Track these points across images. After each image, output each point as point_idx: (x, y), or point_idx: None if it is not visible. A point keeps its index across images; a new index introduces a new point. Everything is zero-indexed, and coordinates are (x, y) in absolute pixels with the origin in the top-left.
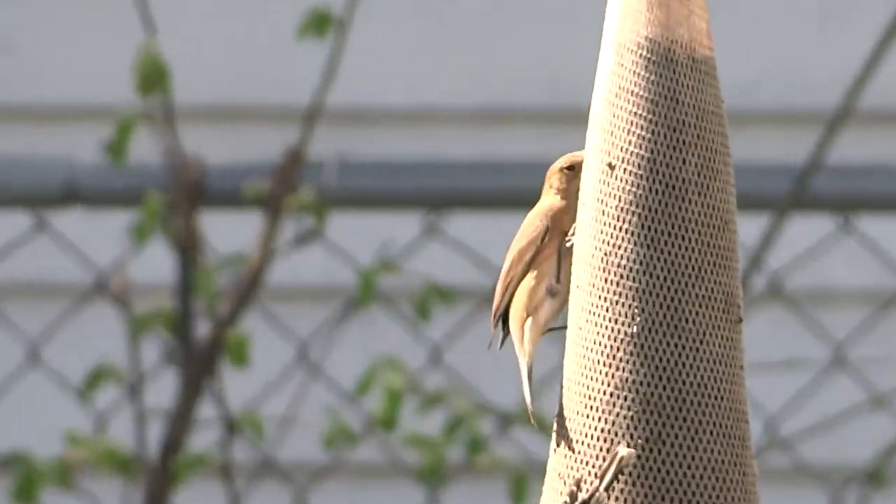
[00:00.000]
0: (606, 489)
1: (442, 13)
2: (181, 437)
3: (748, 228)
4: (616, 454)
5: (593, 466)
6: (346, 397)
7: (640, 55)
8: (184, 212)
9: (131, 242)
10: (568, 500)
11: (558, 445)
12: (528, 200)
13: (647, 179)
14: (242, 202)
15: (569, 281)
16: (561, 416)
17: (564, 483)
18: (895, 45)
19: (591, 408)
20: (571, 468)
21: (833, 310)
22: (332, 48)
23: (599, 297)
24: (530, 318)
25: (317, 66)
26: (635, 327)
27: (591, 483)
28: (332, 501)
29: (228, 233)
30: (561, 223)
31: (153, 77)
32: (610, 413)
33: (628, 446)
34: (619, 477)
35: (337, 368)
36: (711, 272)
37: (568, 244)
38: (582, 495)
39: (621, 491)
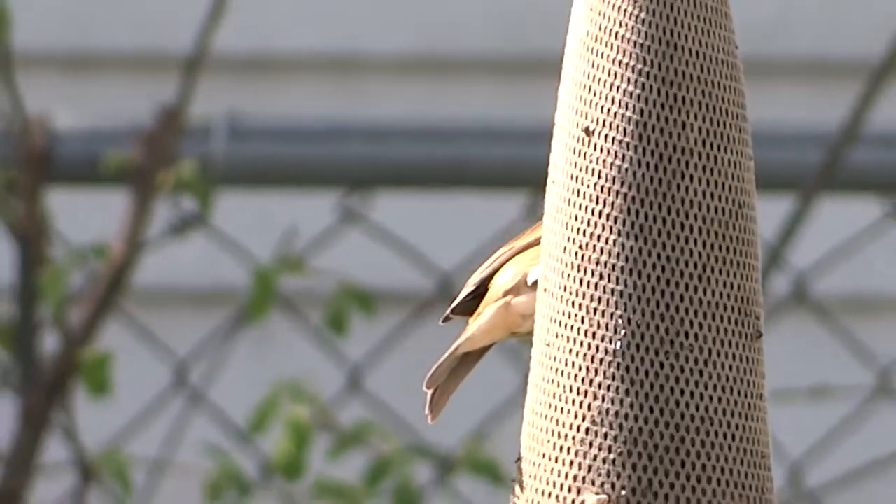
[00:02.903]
0: None
1: None
2: (22, 487)
3: (766, 215)
4: None
5: None
6: (236, 434)
7: None
8: (26, 190)
9: None
10: None
11: (518, 498)
12: (478, 177)
13: (636, 149)
14: (102, 177)
15: None
16: (522, 460)
17: None
18: None
19: (562, 448)
20: None
21: (877, 322)
22: None
23: (572, 304)
24: (504, 300)
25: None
26: (619, 343)
27: None
28: None
29: (84, 217)
30: None
31: None
32: (585, 455)
33: (609, 498)
34: None
35: (225, 396)
36: (720, 271)
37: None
38: None
39: None
